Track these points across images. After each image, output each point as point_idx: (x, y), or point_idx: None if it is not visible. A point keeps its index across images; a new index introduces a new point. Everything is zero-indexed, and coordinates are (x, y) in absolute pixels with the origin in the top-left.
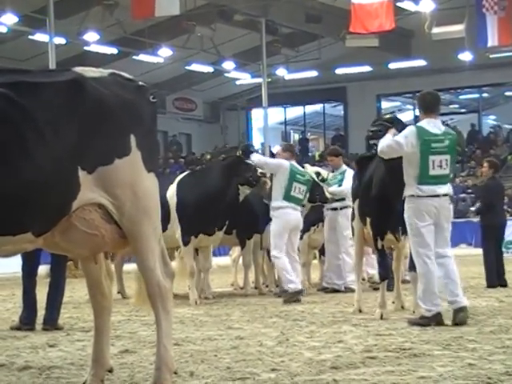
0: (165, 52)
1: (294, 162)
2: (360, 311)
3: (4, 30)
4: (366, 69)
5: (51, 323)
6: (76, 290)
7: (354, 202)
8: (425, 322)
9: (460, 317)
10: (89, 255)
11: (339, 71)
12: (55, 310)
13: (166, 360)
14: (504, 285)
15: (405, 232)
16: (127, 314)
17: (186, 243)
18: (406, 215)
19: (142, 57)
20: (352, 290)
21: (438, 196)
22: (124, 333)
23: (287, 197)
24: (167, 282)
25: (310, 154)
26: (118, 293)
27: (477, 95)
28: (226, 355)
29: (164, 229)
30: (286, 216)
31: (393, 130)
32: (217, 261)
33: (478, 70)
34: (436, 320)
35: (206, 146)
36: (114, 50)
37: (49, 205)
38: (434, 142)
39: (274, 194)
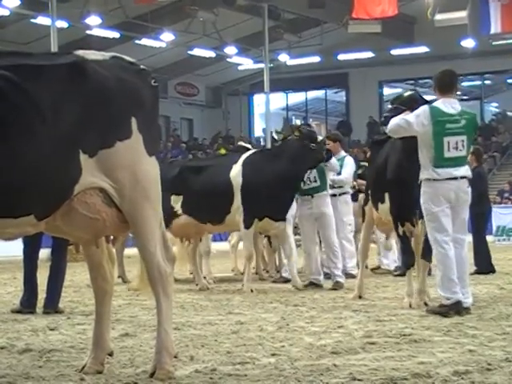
0: (167, 36)
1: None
2: (360, 297)
3: (6, 13)
4: (369, 55)
5: (52, 306)
6: (77, 274)
7: (367, 187)
8: (444, 310)
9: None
10: (90, 239)
11: (341, 57)
12: (56, 293)
13: (167, 344)
14: (493, 271)
15: (421, 217)
16: (128, 298)
17: (247, 226)
18: (421, 200)
19: (144, 41)
20: (352, 276)
21: (455, 179)
22: (124, 317)
23: None
24: (168, 267)
25: None
26: (119, 277)
27: (479, 82)
28: (226, 340)
29: (227, 211)
30: None
31: (407, 113)
32: (216, 246)
33: (480, 56)
34: (456, 308)
35: (207, 131)
36: (116, 34)
37: (51, 188)
38: (449, 122)
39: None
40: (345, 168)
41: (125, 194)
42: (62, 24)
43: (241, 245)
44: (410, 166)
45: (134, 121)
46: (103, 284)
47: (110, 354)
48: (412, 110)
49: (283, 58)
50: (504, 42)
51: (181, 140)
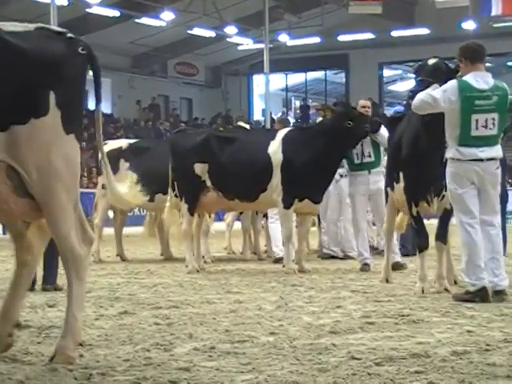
0: (167, 16)
1: None
2: (387, 281)
3: None
4: (369, 36)
5: (50, 282)
6: None
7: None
8: (469, 297)
9: (495, 300)
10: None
11: (342, 38)
12: (53, 269)
13: (73, 329)
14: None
15: (436, 195)
16: (126, 277)
17: (287, 206)
18: (447, 180)
19: (144, 20)
20: (351, 258)
21: (480, 160)
22: (123, 295)
23: None
24: (83, 250)
25: (310, 120)
26: (117, 255)
27: None
28: (225, 318)
29: (262, 189)
30: None
31: (435, 86)
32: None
33: (481, 39)
34: (481, 295)
35: (206, 111)
36: (116, 13)
37: None
38: (479, 98)
39: None
40: None
41: (36, 174)
42: (62, 1)
43: (236, 224)
44: (425, 143)
45: (52, 96)
46: (25, 255)
47: (17, 326)
48: (439, 81)
49: (283, 38)
50: (504, 24)
51: (180, 119)
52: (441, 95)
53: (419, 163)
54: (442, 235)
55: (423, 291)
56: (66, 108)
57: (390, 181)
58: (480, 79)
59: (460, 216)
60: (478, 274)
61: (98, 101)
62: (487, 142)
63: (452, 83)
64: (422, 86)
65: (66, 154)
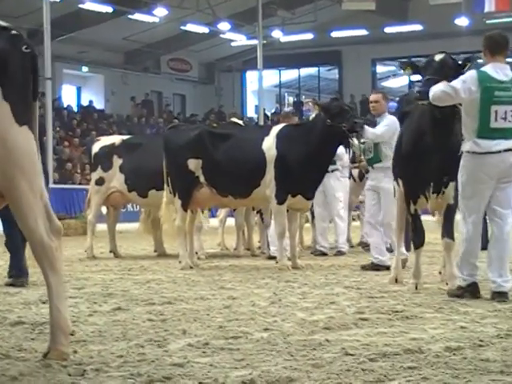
0: (160, 11)
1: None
2: (396, 281)
3: None
4: (362, 32)
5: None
6: (68, 248)
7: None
8: (460, 292)
9: (496, 301)
10: None
11: (335, 34)
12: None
13: (60, 322)
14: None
15: (436, 191)
16: (120, 273)
17: (281, 202)
18: (459, 173)
19: (137, 16)
20: (342, 253)
21: (498, 152)
22: (116, 291)
23: None
24: (53, 240)
25: (304, 117)
26: (111, 252)
27: None
28: (219, 314)
29: (256, 185)
30: None
31: (444, 83)
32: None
33: (474, 35)
34: (470, 291)
35: (200, 107)
36: (109, 9)
37: None
38: (499, 89)
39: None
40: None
41: None
42: None
43: (229, 220)
44: (429, 139)
45: None
46: None
47: None
48: (446, 78)
49: (276, 34)
50: (497, 20)
51: (173, 116)
52: (461, 86)
53: (419, 160)
54: (450, 232)
55: (417, 288)
56: (16, 101)
57: (395, 176)
58: (500, 70)
59: (465, 211)
60: (471, 271)
61: (35, 98)
62: (505, 134)
63: (471, 73)
64: (428, 85)
65: (21, 144)
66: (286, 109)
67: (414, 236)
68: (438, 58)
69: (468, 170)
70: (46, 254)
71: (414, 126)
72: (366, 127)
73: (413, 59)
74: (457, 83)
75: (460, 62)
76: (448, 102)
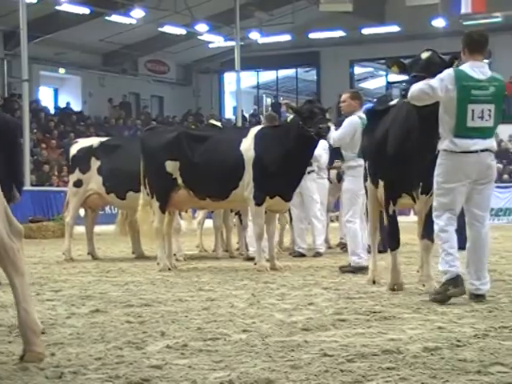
0: (137, 13)
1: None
2: (374, 282)
3: None
4: (340, 34)
5: None
6: (46, 251)
7: (365, 160)
8: (443, 289)
9: (474, 301)
10: None
11: (313, 36)
12: None
13: (29, 323)
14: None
15: (424, 192)
16: (98, 275)
17: (259, 203)
18: (436, 172)
19: (115, 17)
20: (320, 254)
21: (475, 152)
22: (95, 293)
23: None
24: (14, 242)
25: (281, 118)
26: (89, 254)
27: None
28: (197, 316)
29: (234, 186)
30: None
31: (423, 81)
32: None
33: (450, 36)
34: (453, 283)
35: (178, 108)
36: (86, 10)
37: None
38: (476, 88)
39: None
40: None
41: None
42: None
43: (207, 222)
44: (419, 138)
45: None
46: None
47: None
48: (433, 75)
49: (254, 36)
50: (474, 22)
51: (151, 117)
52: (438, 84)
53: (407, 160)
54: (430, 233)
55: (395, 289)
56: None
57: (374, 177)
58: (477, 69)
59: (440, 210)
60: (451, 262)
61: None
62: (483, 133)
63: (448, 72)
64: (414, 82)
65: None
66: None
67: (391, 238)
68: (424, 55)
69: (444, 168)
70: (8, 256)
71: (400, 124)
72: (330, 132)
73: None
74: (434, 82)
75: (447, 59)
76: (426, 100)
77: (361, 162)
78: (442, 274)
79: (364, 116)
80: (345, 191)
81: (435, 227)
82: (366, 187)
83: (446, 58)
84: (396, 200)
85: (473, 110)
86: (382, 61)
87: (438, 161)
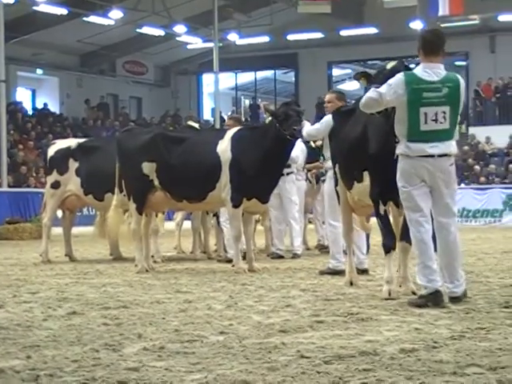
0: (115, 14)
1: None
2: (351, 284)
3: None
4: (318, 35)
5: None
6: (23, 253)
7: (334, 164)
8: (422, 302)
9: (450, 303)
10: None
11: (291, 37)
12: None
13: None
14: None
15: None
16: (75, 277)
17: (237, 205)
18: (397, 176)
19: (93, 18)
20: (298, 256)
21: (431, 156)
22: (71, 295)
23: None
24: None
25: (260, 119)
26: (66, 255)
27: None
28: (174, 318)
29: (211, 188)
30: None
31: (372, 89)
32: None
33: None
34: (433, 300)
35: (156, 110)
36: (63, 11)
37: None
38: (427, 90)
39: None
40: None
41: None
42: None
43: (185, 223)
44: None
45: None
46: None
47: None
48: None
49: (232, 37)
50: (452, 24)
51: (129, 119)
52: (386, 89)
53: (390, 160)
54: (407, 235)
55: (390, 294)
56: None
57: (348, 180)
58: (430, 71)
59: (409, 214)
60: (429, 276)
61: None
62: (439, 136)
63: (398, 76)
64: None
65: None
66: (230, 113)
67: (385, 239)
68: (389, 66)
69: (402, 172)
70: None
71: (384, 123)
72: (305, 127)
73: (367, 67)
74: (382, 88)
75: (413, 67)
76: (375, 107)
77: None
78: (421, 287)
79: None
80: (326, 192)
81: (411, 235)
82: (337, 191)
83: (415, 67)
84: (386, 200)
85: (425, 113)
86: (361, 62)
87: (398, 165)
